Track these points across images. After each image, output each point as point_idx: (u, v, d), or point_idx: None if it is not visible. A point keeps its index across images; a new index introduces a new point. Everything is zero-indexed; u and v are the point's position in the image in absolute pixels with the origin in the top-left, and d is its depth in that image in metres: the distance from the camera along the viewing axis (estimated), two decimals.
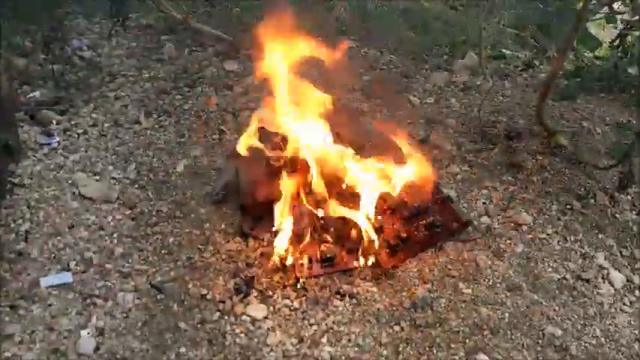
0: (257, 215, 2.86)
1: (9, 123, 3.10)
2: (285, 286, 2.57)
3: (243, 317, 2.43)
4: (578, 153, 3.50)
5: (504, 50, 4.69)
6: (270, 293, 2.54)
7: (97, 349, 2.27)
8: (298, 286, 2.57)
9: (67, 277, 2.52)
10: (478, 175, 3.35)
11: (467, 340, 2.42)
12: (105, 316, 2.39)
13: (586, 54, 4.21)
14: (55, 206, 2.88)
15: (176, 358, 2.28)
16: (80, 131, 3.42)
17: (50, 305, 2.40)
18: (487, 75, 4.31)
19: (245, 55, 4.20)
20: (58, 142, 3.30)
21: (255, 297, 2.51)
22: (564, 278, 2.75)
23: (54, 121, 3.44)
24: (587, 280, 2.75)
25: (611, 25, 3.81)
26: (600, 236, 3.01)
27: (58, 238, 2.72)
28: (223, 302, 2.49)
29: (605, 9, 3.54)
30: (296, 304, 2.51)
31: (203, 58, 4.26)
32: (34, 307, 2.39)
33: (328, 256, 2.66)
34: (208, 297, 2.51)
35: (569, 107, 3.96)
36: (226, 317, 2.44)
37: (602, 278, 2.79)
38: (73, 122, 3.48)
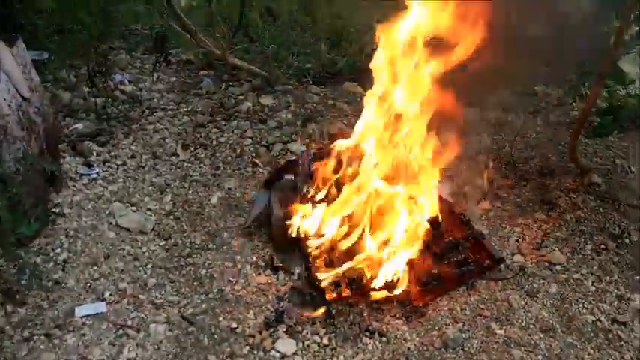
0: (288, 248, 2.89)
1: (54, 154, 3.21)
2: (314, 322, 2.58)
3: (272, 352, 2.44)
4: (611, 191, 3.46)
5: (536, 87, 4.68)
6: (300, 328, 2.55)
7: None
8: (329, 311, 2.59)
9: (101, 307, 2.58)
10: (510, 212, 3.33)
11: None
12: (137, 347, 2.43)
13: (619, 91, 4.17)
14: (92, 236, 2.96)
15: None
16: (119, 163, 3.53)
17: (84, 335, 2.46)
18: (518, 111, 4.31)
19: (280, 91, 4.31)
20: (98, 173, 3.40)
21: (284, 332, 2.53)
22: (599, 320, 2.70)
23: (94, 153, 3.56)
24: (624, 323, 2.68)
25: None
26: (636, 277, 2.94)
27: (94, 267, 2.79)
28: (253, 336, 2.51)
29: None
30: (325, 340, 2.51)
31: (239, 92, 4.37)
32: (69, 336, 2.44)
33: (355, 277, 2.65)
34: (238, 330, 2.53)
35: (602, 145, 3.92)
36: (255, 351, 2.45)
37: (639, 321, 2.72)
38: (112, 154, 3.60)
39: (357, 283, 2.64)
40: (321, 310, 2.60)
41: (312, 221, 2.80)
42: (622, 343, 2.61)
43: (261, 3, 5.22)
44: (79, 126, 3.80)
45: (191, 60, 4.77)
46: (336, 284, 2.62)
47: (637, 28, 3.42)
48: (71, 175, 3.35)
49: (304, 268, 2.79)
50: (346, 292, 2.62)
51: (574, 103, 4.49)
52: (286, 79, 4.47)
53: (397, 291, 2.68)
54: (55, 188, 3.18)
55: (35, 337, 2.41)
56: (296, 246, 2.85)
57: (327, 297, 2.60)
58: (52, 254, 2.82)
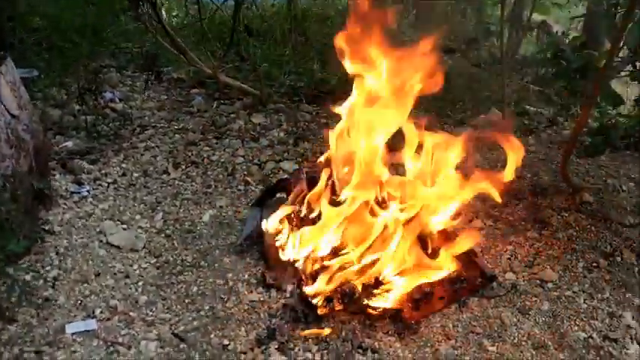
0: (280, 265, 2.87)
1: (43, 172, 3.19)
2: (306, 339, 2.56)
3: None
4: (603, 210, 3.48)
5: (528, 107, 4.73)
6: (292, 345, 2.52)
7: None
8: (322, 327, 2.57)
9: (91, 325, 2.54)
10: (502, 230, 3.34)
11: None
12: None
13: (610, 111, 4.23)
14: (82, 254, 2.93)
15: None
16: (110, 180, 3.51)
17: (74, 352, 2.41)
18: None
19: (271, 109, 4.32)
20: (88, 191, 3.38)
21: (276, 349, 2.49)
22: (591, 337, 2.69)
23: (85, 170, 3.54)
24: (615, 340, 2.68)
25: (635, 82, 3.83)
26: (627, 295, 2.95)
27: (85, 285, 2.75)
28: (244, 353, 2.47)
29: (629, 66, 3.57)
30: (317, 357, 2.47)
31: (231, 111, 4.38)
32: (59, 353, 2.40)
33: (347, 291, 2.63)
34: (230, 347, 2.50)
35: (594, 164, 3.96)
36: None
37: (630, 338, 2.71)
38: (103, 172, 3.58)
39: (350, 298, 2.62)
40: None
41: (303, 239, 2.80)
42: (613, 359, 2.61)
43: (253, 22, 5.27)
44: (69, 144, 3.79)
45: (182, 78, 4.79)
46: (327, 299, 2.60)
47: (628, 50, 3.48)
48: (61, 192, 3.33)
49: (296, 285, 2.77)
50: (338, 307, 2.60)
51: (565, 123, 4.55)
52: (278, 98, 4.50)
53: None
54: (45, 206, 3.15)
55: (25, 355, 2.36)
56: (288, 263, 2.84)
57: (318, 313, 2.58)
58: (42, 272, 2.78)
